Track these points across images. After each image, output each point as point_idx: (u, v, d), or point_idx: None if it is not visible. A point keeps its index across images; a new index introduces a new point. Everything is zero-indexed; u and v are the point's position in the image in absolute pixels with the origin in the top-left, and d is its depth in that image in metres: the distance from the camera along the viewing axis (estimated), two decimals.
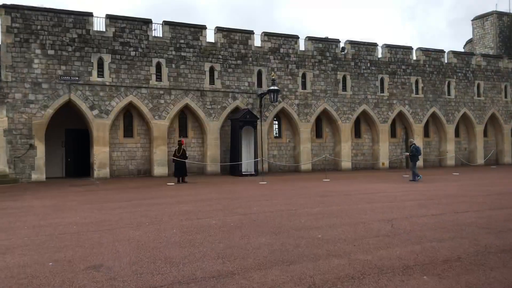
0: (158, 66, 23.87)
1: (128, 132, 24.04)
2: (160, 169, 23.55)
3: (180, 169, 20.61)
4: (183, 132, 25.11)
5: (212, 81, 25.03)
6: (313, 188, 17.74)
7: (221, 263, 6.57)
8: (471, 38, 46.16)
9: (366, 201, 13.34)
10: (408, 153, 21.60)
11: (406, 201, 13.22)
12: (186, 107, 24.71)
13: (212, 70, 25.03)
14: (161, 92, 23.86)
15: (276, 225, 9.42)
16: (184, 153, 20.91)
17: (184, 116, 25.25)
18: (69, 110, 23.29)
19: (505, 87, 34.40)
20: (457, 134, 33.07)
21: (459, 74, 32.56)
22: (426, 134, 32.10)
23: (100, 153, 22.61)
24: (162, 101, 23.88)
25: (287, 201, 13.51)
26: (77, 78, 22.25)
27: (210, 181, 21.11)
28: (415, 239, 7.98)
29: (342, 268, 6.21)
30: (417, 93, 30.99)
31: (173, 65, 24.14)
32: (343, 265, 6.38)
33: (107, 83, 22.79)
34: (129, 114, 24.07)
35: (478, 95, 33.39)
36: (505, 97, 34.46)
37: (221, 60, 25.21)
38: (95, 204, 13.53)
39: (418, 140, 30.93)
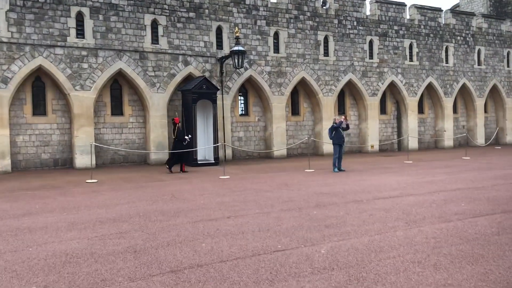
0: (80, 18, 17.38)
1: (40, 109, 17.53)
2: (84, 159, 17.24)
3: (176, 156, 15.81)
4: (118, 108, 18.84)
5: (155, 40, 18.72)
6: (298, 186, 12.02)
7: None
8: (458, 3, 41.31)
9: (400, 217, 7.69)
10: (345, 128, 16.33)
11: (469, 217, 7.65)
12: (120, 74, 18.37)
13: (155, 24, 18.71)
14: (84, 53, 17.42)
15: None
16: (180, 133, 16.09)
17: (118, 87, 18.90)
18: None
19: (508, 54, 29.49)
20: (454, 109, 28.01)
21: (458, 38, 27.34)
22: (420, 109, 26.88)
23: None
24: (86, 66, 17.46)
25: (264, 219, 7.72)
26: None
27: (150, 176, 15.08)
28: None
29: None
30: (411, 59, 25.60)
31: (101, 17, 17.68)
32: None
33: (4, 40, 16.17)
34: (40, 83, 17.55)
35: (479, 63, 28.34)
36: (508, 65, 29.57)
37: (167, 11, 18.89)
38: None
39: (412, 117, 25.70)
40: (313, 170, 16.00)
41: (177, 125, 16.18)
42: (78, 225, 7.68)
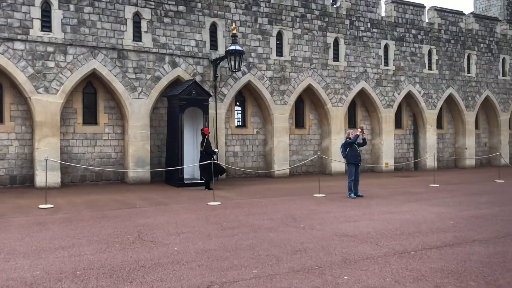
0: (46, 7, 14.54)
1: None
2: (47, 176, 14.19)
3: (206, 170, 13.77)
4: (91, 116, 15.89)
5: (137, 36, 15.86)
6: (310, 220, 9.02)
7: None
8: (472, 12, 38.73)
9: None
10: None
11: None
12: (95, 76, 15.47)
13: (137, 18, 15.87)
14: (50, 49, 14.52)
15: None
16: (209, 146, 14.19)
17: (93, 91, 15.97)
18: None
19: None
20: (475, 125, 25.11)
21: (481, 45, 24.60)
22: (438, 124, 23.99)
23: None
24: (52, 65, 14.54)
25: None
26: None
27: (122, 200, 12.08)
28: None
29: None
30: (430, 68, 22.79)
31: (72, 7, 14.83)
32: None
33: None
34: None
35: (503, 73, 25.56)
36: None
37: (153, 3, 16.06)
38: None
39: (431, 133, 22.79)
40: (324, 195, 13.03)
41: (206, 136, 14.12)
42: None
